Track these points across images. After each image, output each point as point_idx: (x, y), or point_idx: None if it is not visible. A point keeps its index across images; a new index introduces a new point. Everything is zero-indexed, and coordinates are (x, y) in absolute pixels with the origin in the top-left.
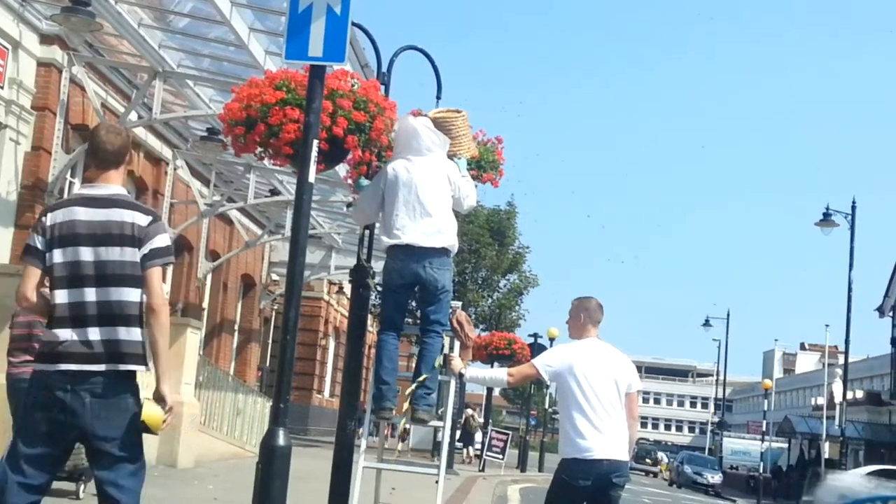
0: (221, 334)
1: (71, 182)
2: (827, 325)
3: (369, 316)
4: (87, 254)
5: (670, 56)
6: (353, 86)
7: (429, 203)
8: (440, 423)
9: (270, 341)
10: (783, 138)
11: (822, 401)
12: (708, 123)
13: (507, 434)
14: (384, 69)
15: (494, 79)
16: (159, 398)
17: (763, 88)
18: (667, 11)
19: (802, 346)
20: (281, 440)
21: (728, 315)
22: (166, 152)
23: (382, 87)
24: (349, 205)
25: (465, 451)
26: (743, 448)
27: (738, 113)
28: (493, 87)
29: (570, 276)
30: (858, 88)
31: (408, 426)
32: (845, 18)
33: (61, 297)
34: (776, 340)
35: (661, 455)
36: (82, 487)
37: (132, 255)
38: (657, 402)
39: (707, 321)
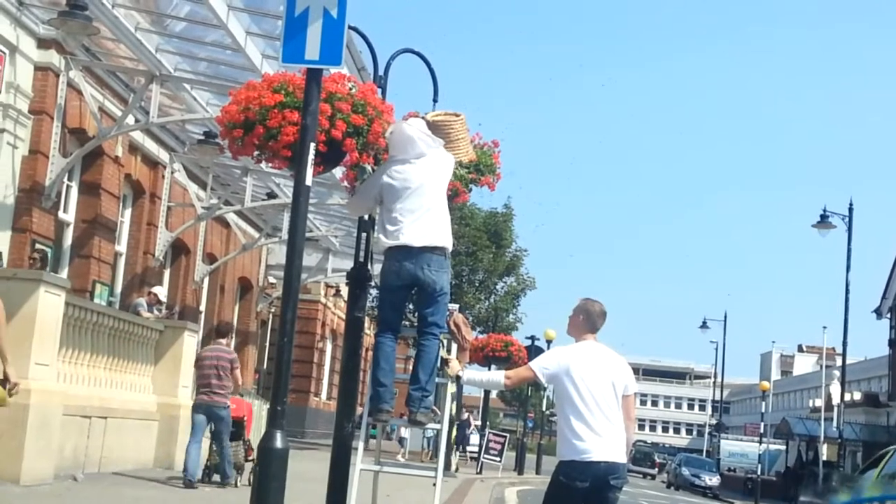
0: None
1: (68, 185)
2: (825, 327)
3: (366, 318)
4: None
5: (666, 53)
6: (350, 89)
7: (425, 205)
8: (438, 426)
9: (267, 344)
10: (780, 138)
11: (819, 402)
12: (703, 123)
13: (505, 436)
14: (381, 72)
15: (491, 80)
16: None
17: (759, 88)
18: (665, 9)
19: (800, 348)
20: (278, 442)
21: (725, 317)
22: (163, 155)
23: (379, 91)
24: (355, 187)
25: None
26: (740, 450)
27: (735, 112)
28: (491, 87)
29: (568, 276)
30: (856, 88)
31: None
32: (842, 16)
33: None
34: (774, 342)
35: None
36: (239, 478)
37: None
38: (654, 404)
39: (704, 323)
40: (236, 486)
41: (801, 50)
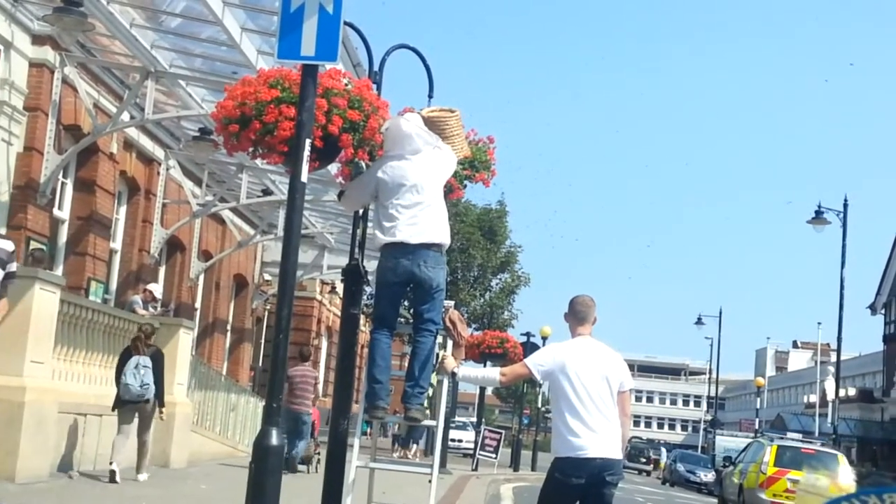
0: (214, 334)
1: (63, 182)
2: (819, 323)
3: (362, 315)
4: None
5: (664, 54)
6: (346, 85)
7: (423, 201)
8: (433, 422)
9: (263, 341)
10: (776, 135)
11: (814, 398)
12: (699, 122)
13: (500, 433)
14: (376, 68)
15: (486, 78)
16: None
17: (754, 87)
18: (664, 9)
19: (795, 344)
20: (274, 439)
21: (720, 313)
22: (158, 152)
23: (374, 87)
24: (340, 194)
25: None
26: (736, 446)
27: (731, 111)
28: (486, 86)
29: (566, 273)
30: (850, 85)
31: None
32: (835, 15)
33: None
34: (768, 338)
35: (662, 450)
36: (308, 467)
37: None
38: (650, 400)
39: (699, 319)
40: (308, 472)
41: (799, 50)
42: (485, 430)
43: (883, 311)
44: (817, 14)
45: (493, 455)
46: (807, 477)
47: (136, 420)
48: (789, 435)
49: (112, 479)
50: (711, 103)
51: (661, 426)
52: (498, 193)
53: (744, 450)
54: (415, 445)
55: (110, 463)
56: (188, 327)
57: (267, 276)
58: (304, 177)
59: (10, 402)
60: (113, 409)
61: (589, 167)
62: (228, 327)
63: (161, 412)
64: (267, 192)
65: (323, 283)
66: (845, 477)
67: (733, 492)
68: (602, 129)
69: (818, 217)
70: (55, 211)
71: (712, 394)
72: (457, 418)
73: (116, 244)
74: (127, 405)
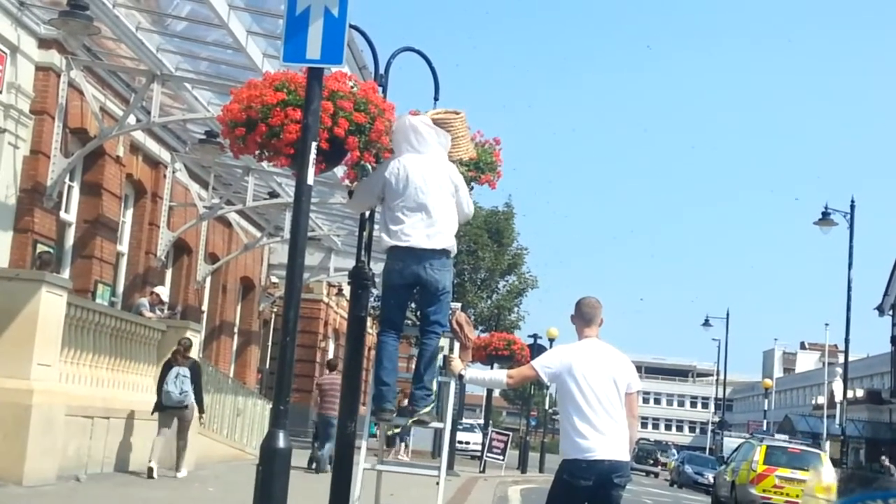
0: (221, 336)
1: (69, 186)
2: (827, 324)
3: (369, 317)
4: None
5: (667, 53)
6: (352, 87)
7: (429, 203)
8: (440, 425)
9: (270, 343)
10: (782, 136)
11: (822, 400)
12: (705, 121)
13: (508, 435)
14: (381, 71)
15: (489, 79)
16: None
17: (760, 86)
18: (668, 9)
19: (802, 346)
20: (281, 442)
21: (727, 314)
22: (165, 155)
23: (380, 89)
24: (351, 194)
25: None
26: None
27: (737, 110)
28: (490, 87)
29: (572, 275)
30: (857, 86)
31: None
32: (842, 14)
33: None
34: (776, 340)
35: (673, 451)
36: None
37: None
38: (657, 402)
39: (707, 321)
40: (328, 472)
41: (805, 50)
42: (492, 431)
43: (891, 313)
44: (824, 15)
45: (501, 457)
46: (809, 482)
47: (174, 424)
48: (776, 436)
49: (150, 475)
50: (712, 103)
51: (668, 428)
52: (505, 195)
53: (736, 450)
54: (401, 444)
55: (149, 461)
56: (195, 330)
57: (274, 279)
58: (311, 179)
59: (17, 405)
60: (152, 413)
61: (593, 167)
62: (235, 330)
63: (201, 417)
64: (273, 194)
65: (330, 285)
66: (828, 475)
67: (726, 488)
68: (610, 129)
69: (825, 218)
70: (62, 214)
71: (720, 395)
72: (464, 420)
73: (123, 247)
74: (167, 410)
